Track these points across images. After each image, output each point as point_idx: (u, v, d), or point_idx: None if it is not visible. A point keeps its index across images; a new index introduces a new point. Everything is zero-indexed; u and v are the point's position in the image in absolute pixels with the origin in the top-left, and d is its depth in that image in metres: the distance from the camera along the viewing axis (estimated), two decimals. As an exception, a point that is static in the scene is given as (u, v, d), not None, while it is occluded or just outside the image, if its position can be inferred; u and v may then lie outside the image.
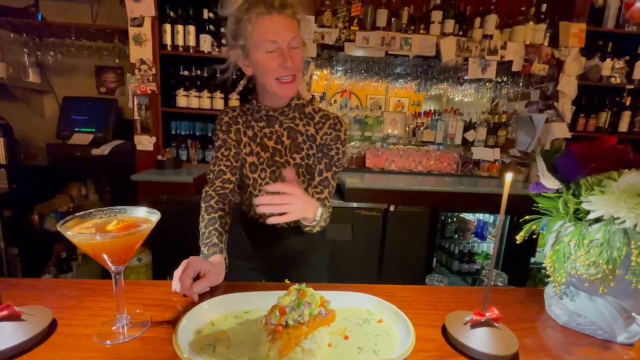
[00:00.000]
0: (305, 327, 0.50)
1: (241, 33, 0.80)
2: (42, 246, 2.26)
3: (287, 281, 1.07)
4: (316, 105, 0.99)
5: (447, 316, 0.60)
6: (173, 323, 0.58)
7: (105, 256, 0.50)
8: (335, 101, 3.10)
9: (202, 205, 0.89)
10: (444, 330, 0.58)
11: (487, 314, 0.54)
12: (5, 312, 0.49)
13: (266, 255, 1.06)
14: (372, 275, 2.21)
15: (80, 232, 0.50)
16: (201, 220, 0.87)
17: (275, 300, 0.54)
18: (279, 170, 0.94)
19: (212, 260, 0.76)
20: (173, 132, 2.40)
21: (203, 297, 0.66)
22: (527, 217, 0.65)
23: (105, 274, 2.42)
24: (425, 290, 0.74)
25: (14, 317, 0.50)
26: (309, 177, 0.95)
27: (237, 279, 1.13)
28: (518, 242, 0.64)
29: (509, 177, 0.50)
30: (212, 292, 0.70)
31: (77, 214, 0.53)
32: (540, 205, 0.65)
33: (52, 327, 0.54)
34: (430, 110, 2.99)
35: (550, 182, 0.62)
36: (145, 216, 0.55)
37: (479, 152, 2.64)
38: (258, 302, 0.61)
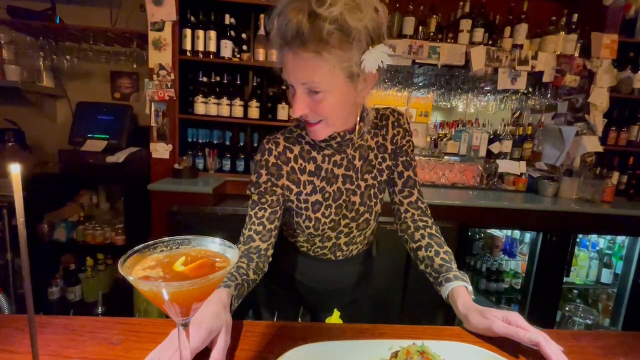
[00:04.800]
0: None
1: None
2: (51, 257, 2.15)
3: (336, 311, 0.96)
4: (372, 108, 0.84)
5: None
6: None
7: (174, 306, 0.39)
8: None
9: None
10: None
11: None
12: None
13: (307, 287, 0.95)
14: (397, 293, 2.09)
15: (144, 273, 0.40)
16: None
17: (368, 353, 0.44)
18: (345, 201, 0.81)
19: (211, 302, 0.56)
20: (190, 140, 2.31)
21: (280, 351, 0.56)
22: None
23: (112, 288, 2.27)
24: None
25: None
26: (381, 196, 0.84)
27: (272, 305, 1.03)
28: None
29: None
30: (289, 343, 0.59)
31: (135, 249, 0.43)
32: None
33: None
34: (449, 121, 2.91)
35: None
36: (220, 250, 0.45)
37: (505, 165, 2.54)
38: (346, 356, 0.50)
